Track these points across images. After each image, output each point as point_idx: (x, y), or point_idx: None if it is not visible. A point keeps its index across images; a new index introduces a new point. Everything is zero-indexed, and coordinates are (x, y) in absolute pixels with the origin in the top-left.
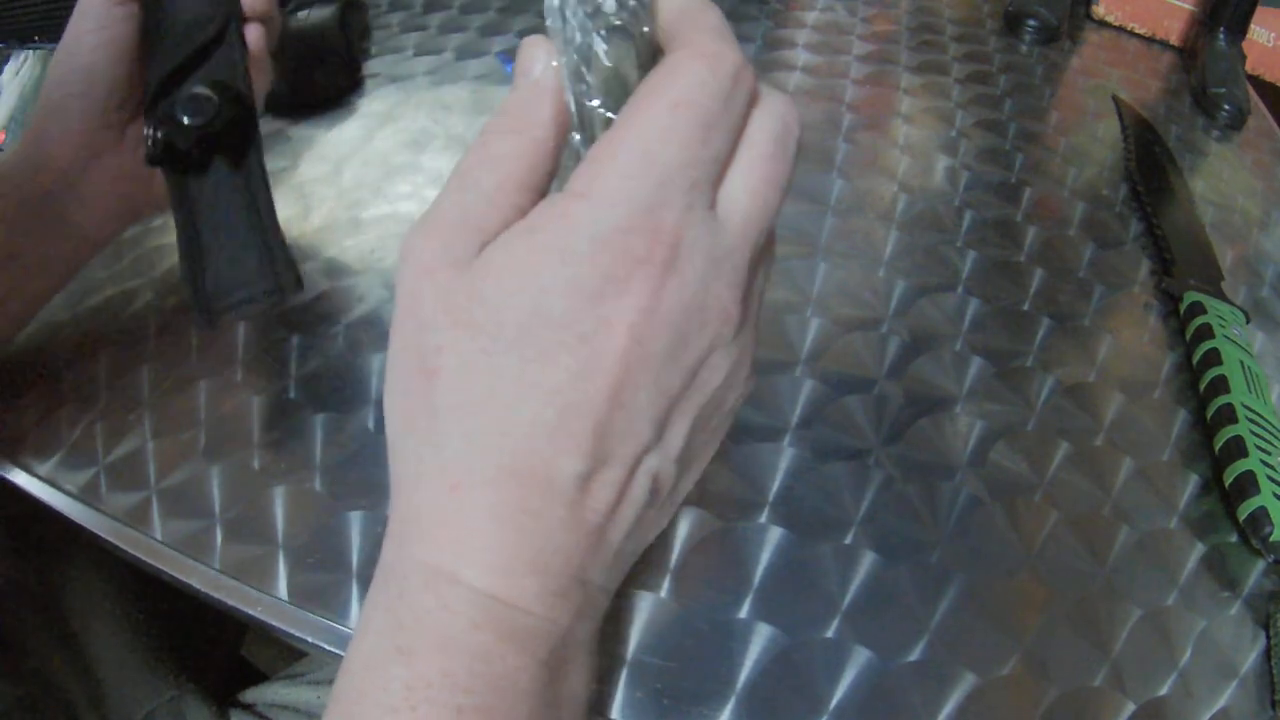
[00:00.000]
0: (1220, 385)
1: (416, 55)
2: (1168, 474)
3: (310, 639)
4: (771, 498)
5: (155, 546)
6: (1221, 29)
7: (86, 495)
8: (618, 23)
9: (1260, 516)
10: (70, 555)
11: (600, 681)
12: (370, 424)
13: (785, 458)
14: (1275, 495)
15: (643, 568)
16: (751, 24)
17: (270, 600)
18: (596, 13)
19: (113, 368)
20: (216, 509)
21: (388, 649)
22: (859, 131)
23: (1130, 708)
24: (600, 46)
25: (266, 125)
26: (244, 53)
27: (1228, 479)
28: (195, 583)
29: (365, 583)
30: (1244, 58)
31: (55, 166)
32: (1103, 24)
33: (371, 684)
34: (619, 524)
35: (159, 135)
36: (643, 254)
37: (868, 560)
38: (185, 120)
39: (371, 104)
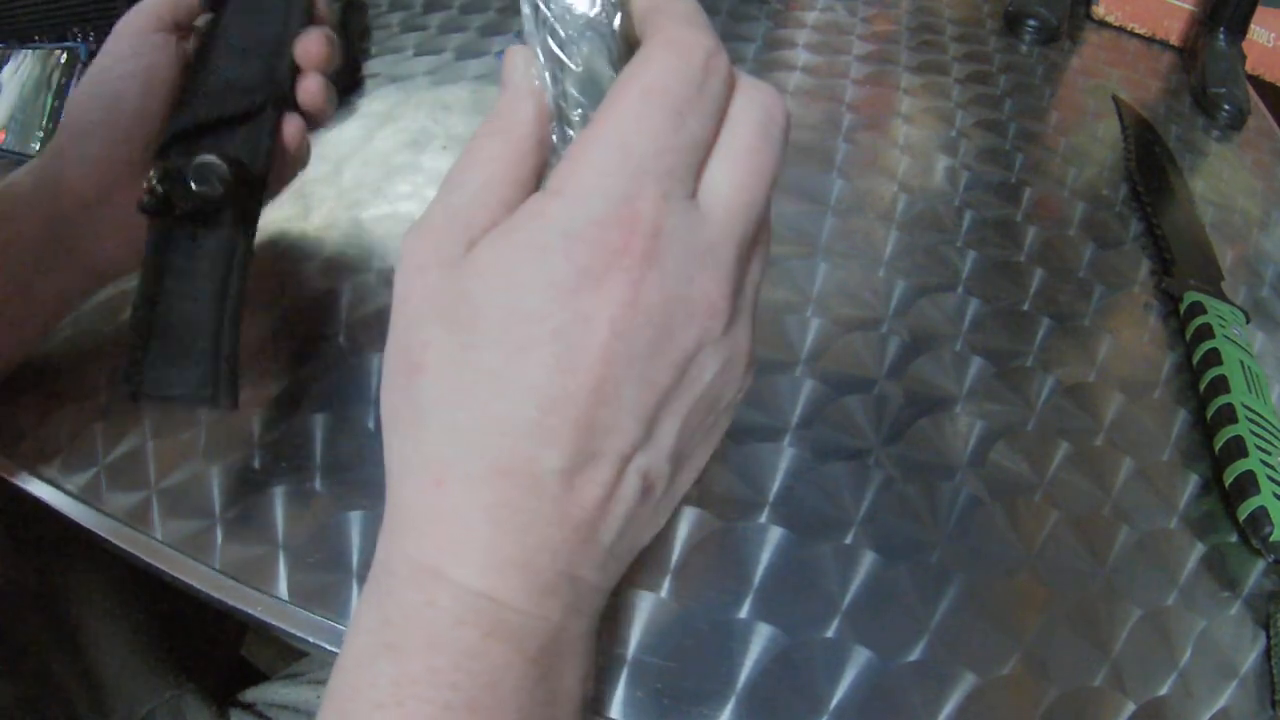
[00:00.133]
0: (1220, 385)
1: (416, 55)
2: (1168, 474)
3: (310, 639)
4: (771, 498)
5: (155, 546)
6: (1221, 29)
7: (86, 495)
8: (587, 23)
9: (1260, 516)
10: (70, 555)
11: (600, 681)
12: (370, 424)
13: (785, 458)
14: (1275, 495)
15: (643, 568)
16: (751, 24)
17: (270, 600)
18: (568, 13)
19: (113, 368)
20: (216, 509)
21: (377, 645)
22: (859, 131)
23: (1130, 708)
24: (573, 47)
25: None
26: (273, 141)
27: (1228, 479)
28: (195, 583)
29: (365, 583)
30: (1244, 58)
31: (73, 191)
32: (1103, 24)
33: (361, 680)
34: (609, 521)
35: (159, 188)
36: (619, 246)
37: (868, 560)
38: (191, 185)
39: (371, 104)
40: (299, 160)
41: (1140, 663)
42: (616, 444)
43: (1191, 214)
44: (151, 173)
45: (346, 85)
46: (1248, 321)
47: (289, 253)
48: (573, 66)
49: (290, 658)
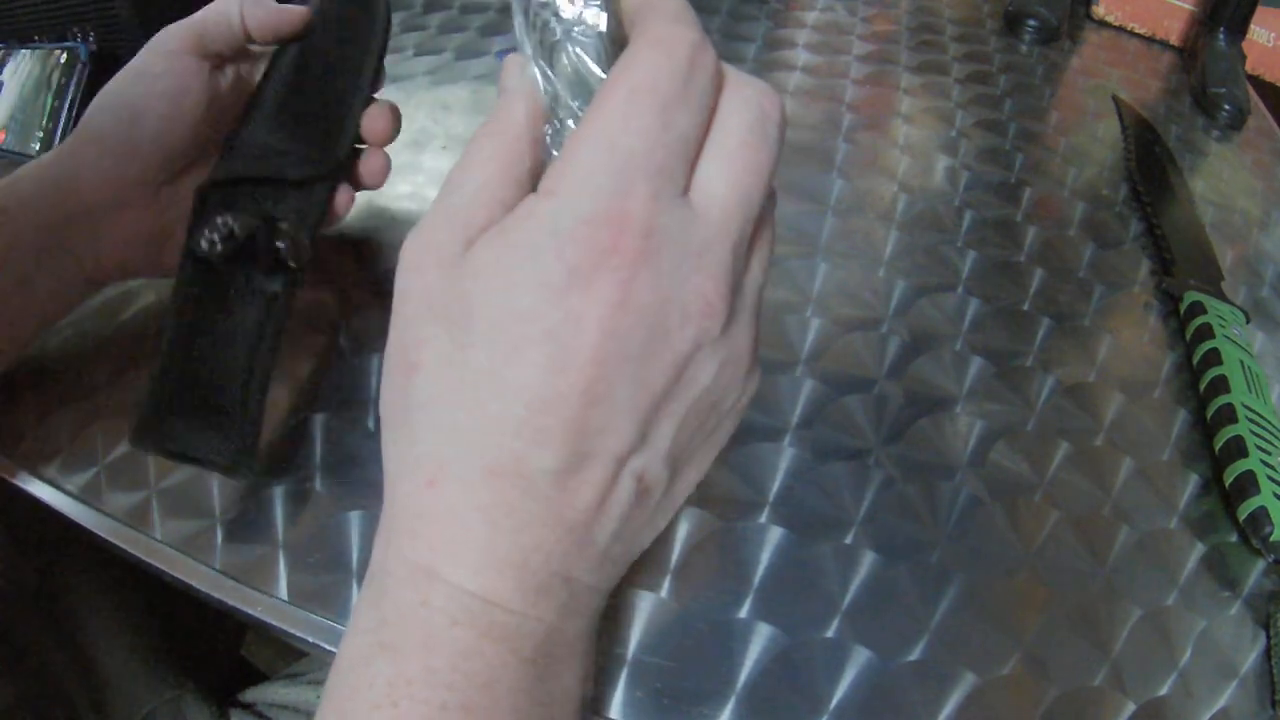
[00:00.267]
0: (1220, 385)
1: (416, 55)
2: (1168, 474)
3: (310, 639)
4: (771, 498)
5: (155, 546)
6: (1221, 29)
7: (86, 495)
8: (575, 25)
9: (1260, 516)
10: (70, 555)
11: (600, 681)
12: (370, 424)
13: (785, 458)
14: (1275, 495)
15: (643, 568)
16: (751, 24)
17: (270, 600)
18: (556, 16)
19: (113, 368)
20: (216, 509)
21: (373, 645)
22: (859, 131)
23: (1130, 708)
24: (562, 49)
25: None
26: (324, 212)
27: (1228, 479)
28: (195, 583)
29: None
30: (1244, 58)
31: (80, 197)
32: (1103, 24)
33: (358, 680)
34: (604, 523)
35: (204, 244)
36: (608, 245)
37: (868, 560)
38: (226, 238)
39: None
40: (338, 220)
41: (1140, 663)
42: (611, 445)
43: (1191, 214)
44: (197, 224)
45: None
46: (1248, 321)
47: None
48: (564, 68)
49: (290, 658)
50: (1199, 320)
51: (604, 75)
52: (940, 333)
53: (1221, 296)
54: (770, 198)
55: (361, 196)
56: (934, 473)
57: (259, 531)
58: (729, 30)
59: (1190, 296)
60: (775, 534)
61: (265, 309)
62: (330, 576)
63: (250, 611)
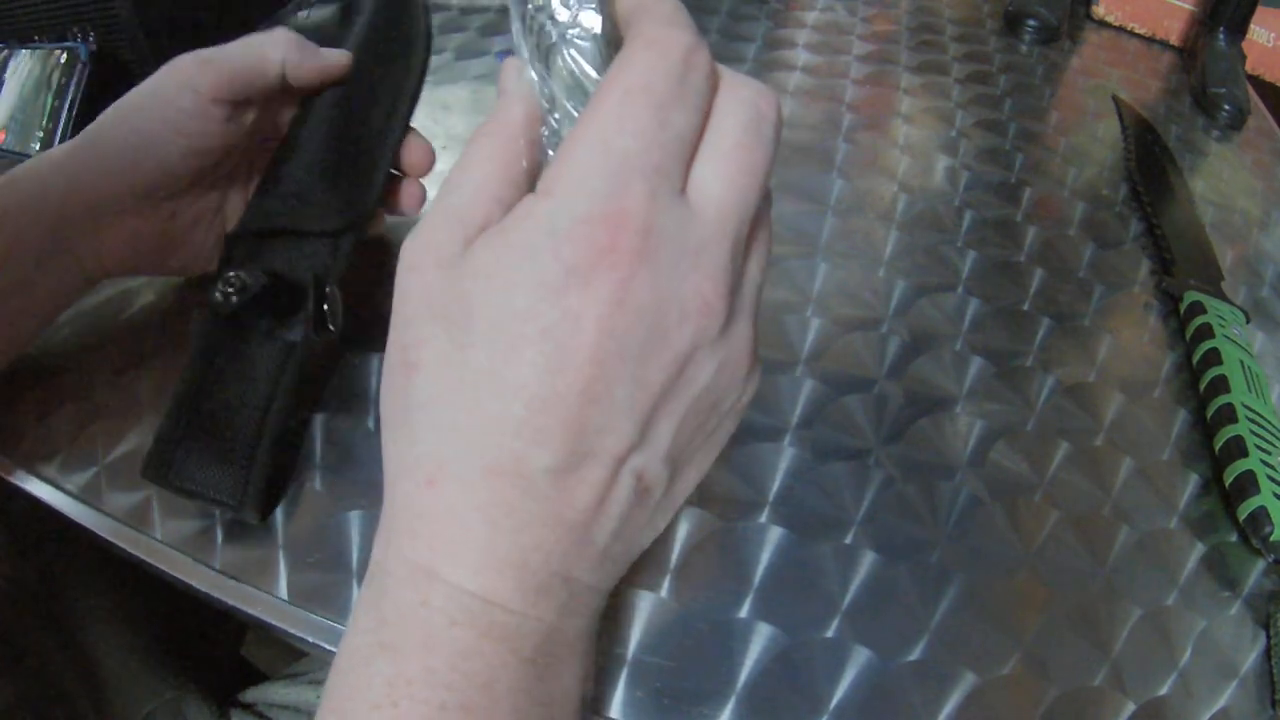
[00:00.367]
0: (1220, 385)
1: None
2: (1168, 474)
3: (310, 639)
4: (771, 498)
5: (155, 546)
6: (1221, 29)
7: (86, 495)
8: (571, 28)
9: (1260, 516)
10: (70, 555)
11: (600, 681)
12: (370, 424)
13: (785, 458)
14: (1275, 495)
15: (643, 568)
16: (751, 24)
17: (270, 600)
18: (552, 19)
19: (113, 368)
20: (217, 509)
21: (373, 645)
22: (859, 131)
23: (1130, 708)
24: (559, 51)
25: None
26: (349, 261)
27: (1228, 479)
28: (195, 583)
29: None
30: (1244, 58)
31: (81, 202)
32: (1103, 24)
33: (357, 680)
34: (603, 522)
35: (217, 295)
36: (606, 244)
37: (868, 560)
38: (239, 291)
39: None
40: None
41: (1140, 663)
42: (609, 444)
43: (1191, 214)
44: (226, 271)
45: None
46: (1248, 321)
47: None
48: (560, 71)
49: (290, 658)
50: (1199, 320)
51: (599, 77)
52: (940, 333)
53: (1221, 296)
54: (766, 198)
55: None
56: (934, 473)
57: (259, 531)
58: (729, 30)
59: (1190, 296)
60: (775, 534)
61: (283, 357)
62: (330, 576)
63: (250, 611)
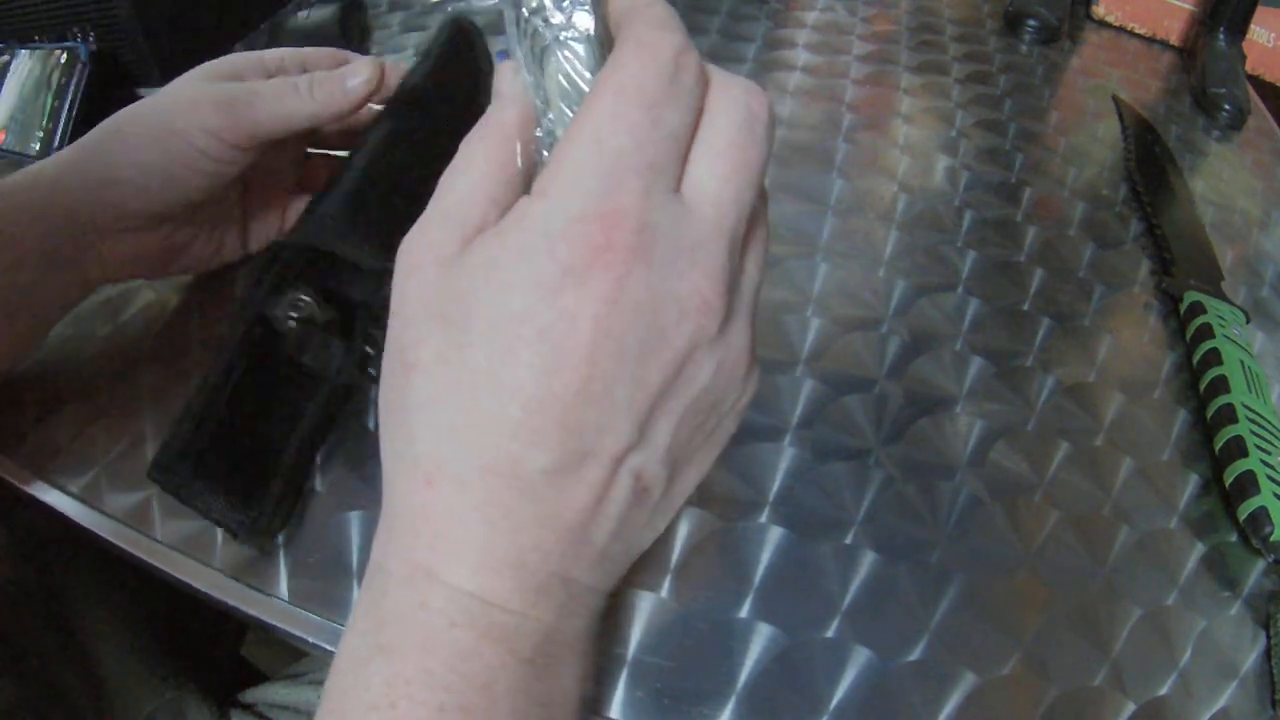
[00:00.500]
0: (1220, 385)
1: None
2: (1168, 474)
3: (310, 639)
4: (771, 498)
5: (155, 546)
6: (1221, 29)
7: (87, 496)
8: (565, 31)
9: (1260, 516)
10: (70, 555)
11: (600, 681)
12: (370, 423)
13: (785, 458)
14: (1275, 495)
15: (643, 568)
16: (751, 24)
17: (270, 600)
18: (546, 22)
19: (113, 368)
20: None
21: (371, 646)
22: (859, 131)
23: (1130, 708)
24: (553, 54)
25: None
26: (387, 303)
27: (1228, 479)
28: (195, 583)
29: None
30: (1244, 58)
31: (84, 219)
32: (1103, 24)
33: (355, 681)
34: (601, 522)
35: (279, 313)
36: (602, 241)
37: (868, 560)
38: (304, 320)
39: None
40: None
41: (1140, 663)
42: (608, 444)
43: (1191, 214)
44: (282, 301)
45: None
46: (1248, 321)
47: None
48: (554, 73)
49: (290, 658)
50: (1199, 320)
51: (593, 78)
52: (940, 333)
53: (1221, 296)
54: (763, 197)
55: None
56: (934, 473)
57: None
58: (729, 30)
59: (1190, 296)
60: (775, 534)
61: (316, 394)
62: (330, 576)
63: (250, 611)
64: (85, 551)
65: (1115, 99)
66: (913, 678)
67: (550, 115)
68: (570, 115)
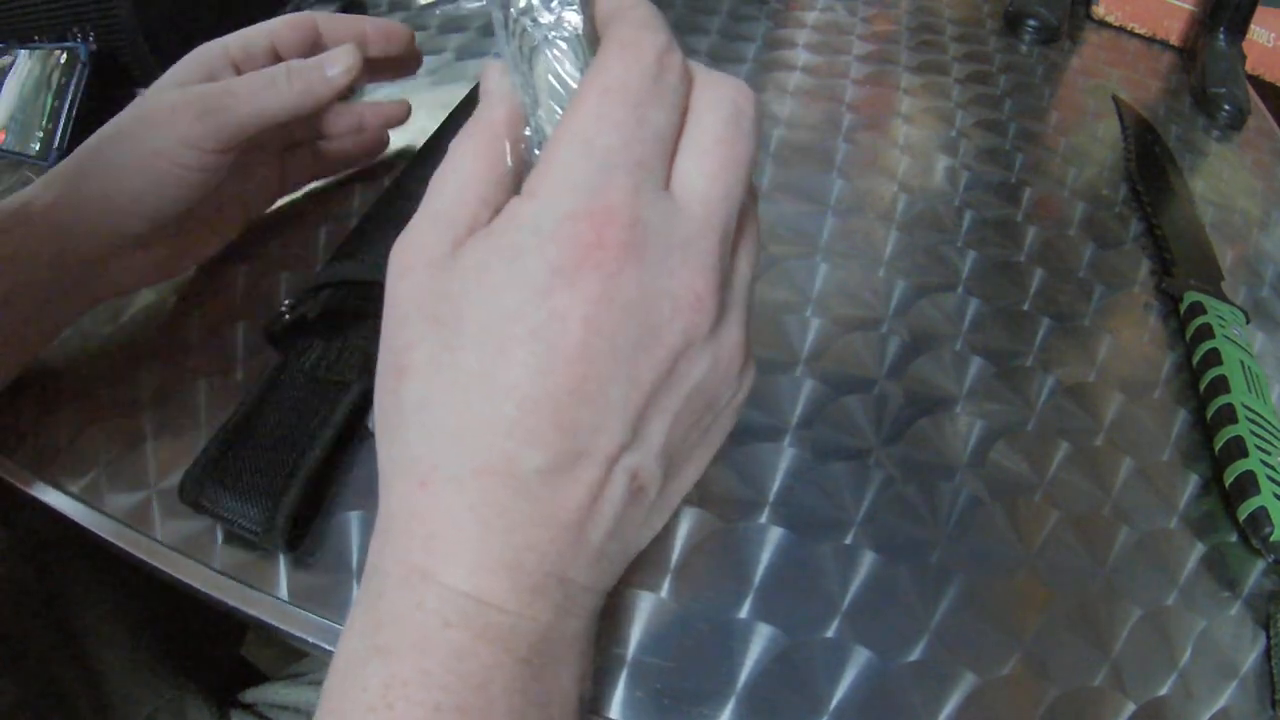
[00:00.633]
0: (1220, 385)
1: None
2: (1168, 474)
3: (310, 639)
4: (771, 498)
5: (155, 546)
6: (1221, 29)
7: (86, 495)
8: (552, 31)
9: (1260, 516)
10: (70, 555)
11: (600, 681)
12: (370, 424)
13: (785, 458)
14: (1275, 495)
15: (643, 568)
16: (751, 24)
17: (270, 600)
18: (534, 22)
19: (113, 368)
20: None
21: (368, 647)
22: (859, 131)
23: (1130, 708)
24: (541, 54)
25: None
26: None
27: (1228, 479)
28: (195, 583)
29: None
30: (1244, 58)
31: (89, 240)
32: (1103, 24)
33: (353, 682)
34: (598, 522)
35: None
36: (592, 239)
37: (868, 560)
38: (332, 364)
39: None
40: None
41: (1140, 663)
42: (602, 443)
43: (1191, 214)
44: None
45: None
46: (1248, 321)
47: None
48: (542, 73)
49: (291, 658)
50: (1199, 320)
51: (582, 77)
52: (940, 333)
53: (1221, 296)
54: (752, 195)
55: (361, 196)
56: (934, 473)
57: None
58: (729, 30)
59: (1190, 296)
60: (775, 534)
61: (339, 409)
62: (330, 576)
63: (250, 611)
64: (85, 551)
65: (1115, 99)
66: (913, 678)
67: (540, 113)
68: (559, 113)
